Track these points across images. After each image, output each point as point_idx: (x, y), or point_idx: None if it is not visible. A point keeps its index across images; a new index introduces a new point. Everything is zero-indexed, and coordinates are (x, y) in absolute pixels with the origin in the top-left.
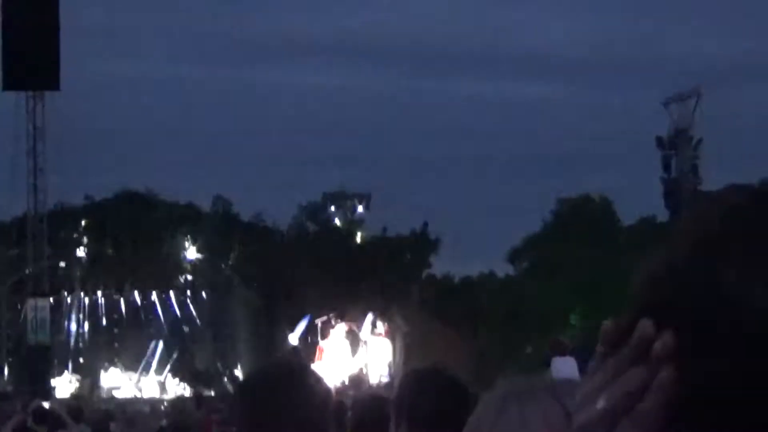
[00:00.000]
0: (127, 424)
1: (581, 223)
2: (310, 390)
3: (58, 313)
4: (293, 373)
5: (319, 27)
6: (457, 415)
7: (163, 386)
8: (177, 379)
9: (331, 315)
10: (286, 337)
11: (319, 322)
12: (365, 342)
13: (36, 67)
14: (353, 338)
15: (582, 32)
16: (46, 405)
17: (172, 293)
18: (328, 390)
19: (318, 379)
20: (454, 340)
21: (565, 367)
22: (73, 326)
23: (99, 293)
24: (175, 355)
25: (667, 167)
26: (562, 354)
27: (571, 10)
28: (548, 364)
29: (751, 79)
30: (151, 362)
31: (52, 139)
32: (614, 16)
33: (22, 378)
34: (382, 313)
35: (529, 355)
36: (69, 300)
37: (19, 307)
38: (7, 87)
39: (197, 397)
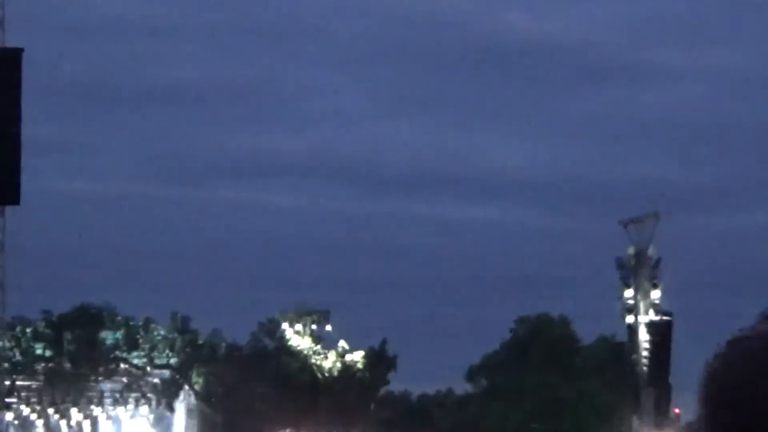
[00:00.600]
0: None
1: (540, 342)
2: None
3: (18, 427)
4: None
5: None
6: None
7: None
8: None
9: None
10: None
11: None
12: None
13: None
14: None
15: (543, 157)
16: None
17: (131, 409)
18: None
19: None
20: None
21: None
22: None
23: (53, 410)
24: None
25: (626, 287)
26: None
27: (532, 135)
28: None
29: (707, 204)
30: None
31: (12, 253)
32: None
33: None
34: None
35: None
36: (27, 415)
37: None
38: None
39: None
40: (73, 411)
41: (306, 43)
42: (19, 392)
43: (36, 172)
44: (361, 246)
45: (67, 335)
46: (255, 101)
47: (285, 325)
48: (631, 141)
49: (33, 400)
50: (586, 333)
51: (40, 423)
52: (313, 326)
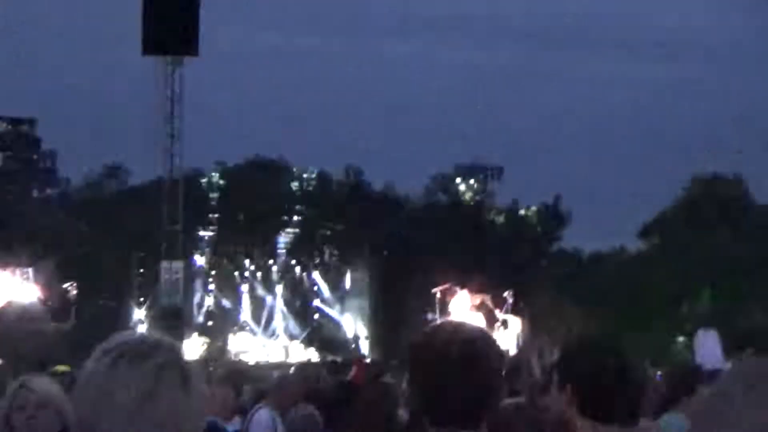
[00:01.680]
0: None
1: (713, 202)
2: (486, 354)
3: (191, 275)
4: (469, 337)
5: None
6: (617, 378)
7: (287, 351)
8: (302, 345)
9: (452, 284)
10: (413, 307)
11: (438, 290)
12: (502, 320)
13: (176, 32)
14: (488, 313)
15: (721, 18)
16: None
17: (307, 262)
18: (502, 354)
19: (493, 343)
20: (582, 315)
21: (706, 340)
22: (204, 289)
23: (227, 260)
24: (299, 322)
25: None
26: (707, 327)
27: None
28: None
29: None
30: (278, 328)
31: (189, 104)
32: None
33: None
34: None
35: (664, 332)
36: (201, 264)
37: (150, 269)
38: (147, 51)
39: (332, 362)
40: (246, 262)
41: None
42: (191, 242)
43: (214, 25)
44: (535, 104)
45: (242, 187)
46: None
47: (458, 180)
48: None
49: (207, 249)
50: (761, 193)
51: (213, 273)
52: (486, 183)
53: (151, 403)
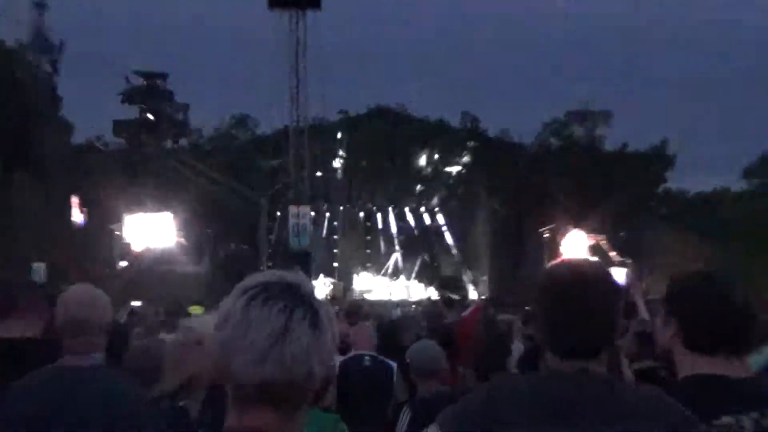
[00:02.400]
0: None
1: None
2: (611, 287)
3: (317, 220)
4: (592, 271)
5: None
6: (720, 310)
7: (409, 290)
8: (423, 285)
9: (563, 225)
10: (530, 248)
11: (546, 231)
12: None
13: None
14: (603, 256)
15: None
16: None
17: (428, 205)
18: (620, 289)
19: (611, 278)
20: (693, 252)
21: None
22: (330, 233)
23: (352, 205)
24: (419, 262)
25: None
26: None
27: None
28: None
29: None
30: (400, 268)
31: (313, 55)
32: None
33: None
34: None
35: None
36: (326, 209)
37: (278, 214)
38: (273, 4)
39: (446, 299)
40: (370, 205)
41: None
42: (317, 188)
43: None
44: (641, 47)
45: (364, 134)
46: None
47: (572, 125)
48: None
49: (333, 193)
50: None
51: (338, 218)
52: (596, 127)
53: (282, 342)
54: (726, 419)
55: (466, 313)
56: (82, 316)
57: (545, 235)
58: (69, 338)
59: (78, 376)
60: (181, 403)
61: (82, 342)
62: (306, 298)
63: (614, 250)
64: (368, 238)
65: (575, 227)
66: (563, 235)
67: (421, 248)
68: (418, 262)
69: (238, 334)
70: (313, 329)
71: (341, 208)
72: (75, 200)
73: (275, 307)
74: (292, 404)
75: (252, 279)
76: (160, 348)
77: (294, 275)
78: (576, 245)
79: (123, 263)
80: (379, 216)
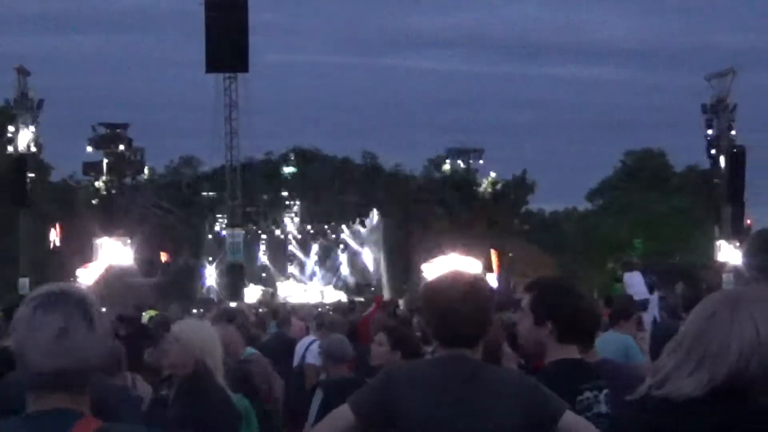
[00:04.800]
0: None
1: (643, 169)
2: (482, 291)
3: (249, 239)
4: (469, 279)
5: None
6: (584, 313)
7: (323, 294)
8: (333, 289)
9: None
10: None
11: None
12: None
13: (231, 54)
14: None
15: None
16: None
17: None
18: (492, 290)
19: (486, 283)
20: (545, 260)
21: (633, 279)
22: (259, 250)
23: (275, 226)
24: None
25: (709, 127)
26: (632, 270)
27: (630, 10)
28: (619, 280)
29: None
30: (315, 276)
31: (243, 109)
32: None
33: (222, 288)
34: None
35: (607, 272)
36: (256, 230)
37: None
38: (210, 70)
39: (350, 301)
40: (290, 227)
41: None
42: (247, 214)
43: (256, 48)
44: (502, 99)
45: (284, 170)
46: None
47: (448, 161)
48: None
49: (260, 217)
50: (679, 163)
51: (264, 237)
52: (471, 161)
53: (64, 338)
54: (587, 395)
55: (366, 313)
56: None
57: (431, 249)
58: None
59: None
60: (162, 393)
61: None
62: (80, 302)
63: (487, 261)
64: (290, 253)
65: (452, 246)
66: (443, 252)
67: (332, 260)
68: (331, 271)
69: (29, 334)
70: (87, 326)
71: (268, 228)
72: (55, 228)
73: (56, 311)
74: (78, 387)
75: (37, 290)
76: (120, 347)
77: (69, 285)
78: (454, 260)
79: (81, 272)
80: (298, 235)
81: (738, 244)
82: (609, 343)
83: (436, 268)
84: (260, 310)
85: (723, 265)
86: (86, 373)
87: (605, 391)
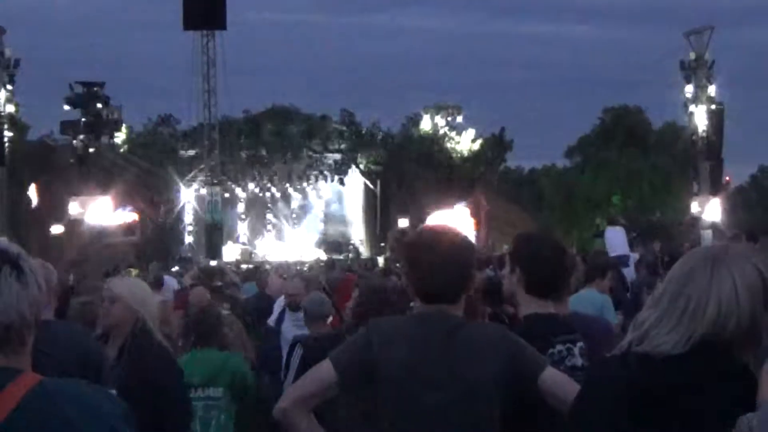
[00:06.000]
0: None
1: (621, 126)
2: (463, 246)
3: (227, 198)
4: (449, 233)
5: None
6: (553, 263)
7: (301, 253)
8: (313, 247)
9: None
10: (399, 218)
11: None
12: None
13: (209, 11)
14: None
15: None
16: (214, 263)
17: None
18: (473, 246)
19: (467, 238)
20: (524, 218)
21: (615, 235)
22: (238, 208)
23: (254, 185)
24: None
25: (687, 83)
26: (614, 225)
27: None
28: (599, 236)
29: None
30: (295, 234)
31: (220, 67)
32: None
33: (201, 247)
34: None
35: (589, 227)
36: (234, 189)
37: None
38: (187, 27)
39: (331, 260)
40: (269, 185)
41: None
42: (226, 172)
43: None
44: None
45: (263, 128)
46: None
47: (427, 117)
48: None
49: (238, 176)
50: (657, 120)
51: (243, 195)
52: (449, 118)
53: None
54: (559, 347)
55: (345, 275)
56: None
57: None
58: None
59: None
60: None
61: None
62: (12, 258)
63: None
64: (269, 212)
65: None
66: (421, 210)
67: (311, 217)
68: (310, 229)
69: None
70: (19, 282)
71: (247, 187)
72: (33, 186)
73: None
74: (13, 345)
75: None
76: (96, 305)
77: (1, 241)
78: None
79: (57, 227)
80: (277, 193)
81: (716, 200)
82: (584, 299)
83: (415, 225)
84: (241, 266)
85: (696, 219)
86: (20, 330)
87: (579, 344)
